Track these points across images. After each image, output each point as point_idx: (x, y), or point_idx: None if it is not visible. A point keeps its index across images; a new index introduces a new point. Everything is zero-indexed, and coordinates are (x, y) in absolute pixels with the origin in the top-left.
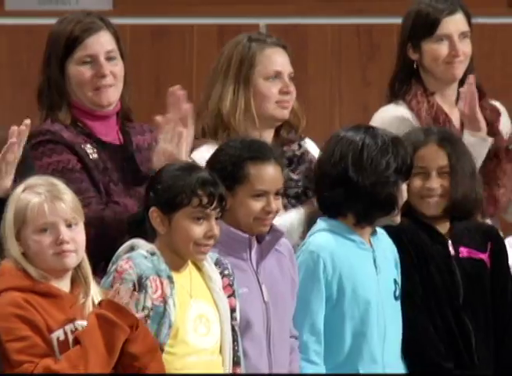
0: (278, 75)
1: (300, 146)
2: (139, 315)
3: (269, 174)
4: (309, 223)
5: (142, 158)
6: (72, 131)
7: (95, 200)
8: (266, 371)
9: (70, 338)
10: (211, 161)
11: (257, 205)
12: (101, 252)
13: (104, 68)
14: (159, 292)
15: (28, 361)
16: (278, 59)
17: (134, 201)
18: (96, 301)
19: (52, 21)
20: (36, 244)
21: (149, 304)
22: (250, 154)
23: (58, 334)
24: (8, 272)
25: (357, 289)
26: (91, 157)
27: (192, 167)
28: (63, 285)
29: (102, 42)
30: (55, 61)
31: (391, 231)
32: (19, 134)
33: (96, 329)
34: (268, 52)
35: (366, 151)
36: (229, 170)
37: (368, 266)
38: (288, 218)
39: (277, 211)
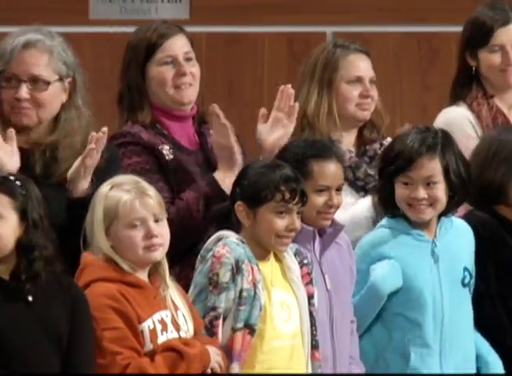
0: (359, 79)
1: (381, 145)
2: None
3: (331, 170)
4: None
5: (216, 158)
6: (150, 132)
7: (168, 200)
8: (330, 355)
9: (158, 327)
10: (278, 159)
11: (320, 200)
12: (172, 247)
13: (184, 67)
14: (250, 277)
15: (119, 352)
16: (360, 65)
17: (193, 193)
18: (173, 293)
19: (133, 30)
20: (128, 238)
21: (246, 286)
22: (314, 152)
23: (148, 323)
24: (95, 264)
25: (410, 277)
26: (167, 158)
27: (276, 164)
28: (144, 277)
29: (180, 44)
30: (136, 66)
31: (471, 222)
32: (97, 140)
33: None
34: (351, 58)
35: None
36: (294, 167)
37: (424, 256)
38: (353, 210)
39: (338, 206)
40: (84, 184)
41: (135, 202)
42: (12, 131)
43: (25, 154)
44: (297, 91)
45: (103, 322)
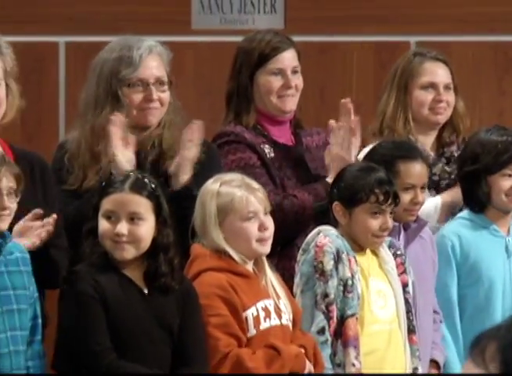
0: (433, 85)
1: (459, 147)
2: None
3: (417, 170)
4: (452, 209)
5: (310, 157)
6: (252, 133)
7: (273, 192)
8: None
9: (261, 314)
10: (367, 159)
11: (406, 197)
12: (275, 239)
13: (291, 81)
14: (349, 267)
15: (221, 338)
16: (434, 71)
17: (308, 196)
18: (274, 283)
19: (231, 38)
20: (244, 230)
21: (347, 274)
22: (401, 153)
23: (252, 310)
24: (205, 255)
25: (483, 270)
26: (268, 156)
27: (371, 168)
28: (250, 268)
29: (290, 58)
30: (246, 71)
31: None
32: (192, 133)
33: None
34: (427, 65)
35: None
36: (382, 167)
37: (498, 251)
38: (426, 205)
39: (422, 203)
40: (184, 177)
41: (249, 197)
42: (133, 137)
43: (137, 155)
44: (381, 96)
45: (209, 309)
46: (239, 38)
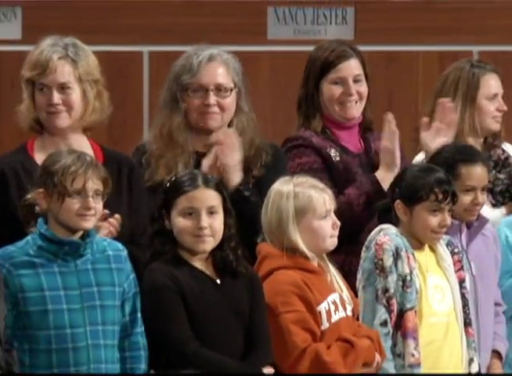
0: (495, 96)
1: (503, 150)
2: None
3: (477, 173)
4: None
5: (379, 160)
6: (320, 137)
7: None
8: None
9: (332, 307)
10: (430, 162)
11: (467, 198)
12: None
13: (351, 89)
14: (408, 263)
15: (298, 334)
16: (495, 83)
17: (353, 190)
18: (337, 277)
19: (305, 48)
20: (320, 229)
21: (406, 270)
22: (463, 157)
23: (324, 305)
24: (274, 254)
25: None
26: (334, 159)
27: (431, 168)
28: (316, 264)
29: (352, 67)
30: (312, 79)
31: None
32: (227, 138)
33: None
34: (488, 77)
35: None
36: (445, 170)
37: None
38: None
39: (483, 204)
40: (235, 178)
41: (324, 197)
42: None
43: (202, 157)
44: (432, 103)
45: (287, 305)
46: (311, 48)
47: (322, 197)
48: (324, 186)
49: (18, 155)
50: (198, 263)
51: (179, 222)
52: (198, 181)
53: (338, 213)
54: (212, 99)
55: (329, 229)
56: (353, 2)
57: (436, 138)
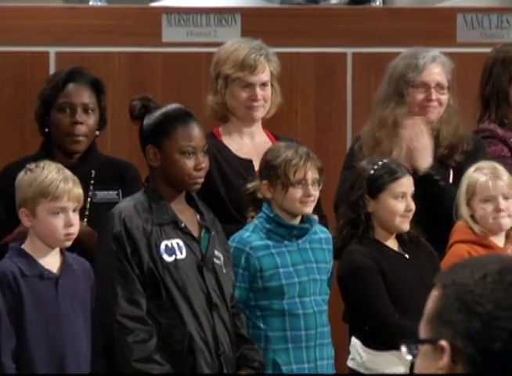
0: None
1: None
2: None
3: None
4: None
5: None
6: (504, 129)
7: None
8: None
9: None
10: None
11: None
12: None
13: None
14: None
15: None
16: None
17: None
18: None
19: (488, 50)
20: (484, 210)
21: None
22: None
23: None
24: (461, 229)
25: None
26: None
27: None
28: (498, 242)
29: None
30: (500, 78)
31: None
32: (415, 124)
33: None
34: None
35: None
36: None
37: None
38: None
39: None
40: (425, 162)
41: (488, 183)
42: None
43: None
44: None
45: None
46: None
47: (485, 183)
48: (506, 176)
49: (209, 140)
50: (389, 242)
51: (395, 205)
52: (404, 169)
53: None
54: (434, 95)
55: (492, 212)
56: None
57: None
